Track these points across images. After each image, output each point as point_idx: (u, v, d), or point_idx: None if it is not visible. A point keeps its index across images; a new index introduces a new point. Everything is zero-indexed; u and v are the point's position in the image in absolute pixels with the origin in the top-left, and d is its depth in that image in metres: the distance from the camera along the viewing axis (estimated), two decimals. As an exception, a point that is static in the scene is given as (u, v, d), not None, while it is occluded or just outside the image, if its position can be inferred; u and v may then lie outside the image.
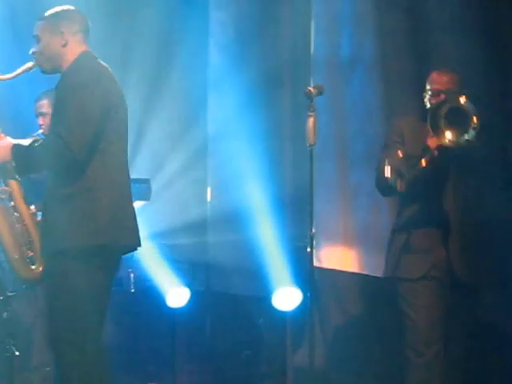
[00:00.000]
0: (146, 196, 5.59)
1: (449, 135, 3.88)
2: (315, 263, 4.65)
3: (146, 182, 5.68)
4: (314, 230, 3.93)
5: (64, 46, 3.56)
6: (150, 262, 5.83)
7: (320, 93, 3.89)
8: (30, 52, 3.68)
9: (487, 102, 4.63)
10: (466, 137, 3.83)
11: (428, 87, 4.10)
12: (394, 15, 5.14)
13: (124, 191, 3.67)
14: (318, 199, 4.81)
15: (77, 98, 3.45)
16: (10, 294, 4.31)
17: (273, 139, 5.91)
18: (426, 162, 3.87)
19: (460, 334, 4.03)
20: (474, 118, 3.81)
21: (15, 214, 3.89)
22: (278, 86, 5.92)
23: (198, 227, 6.17)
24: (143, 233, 4.61)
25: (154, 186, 5.77)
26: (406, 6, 5.12)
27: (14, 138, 3.88)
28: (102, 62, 3.63)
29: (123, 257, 3.84)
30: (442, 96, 4.01)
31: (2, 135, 3.75)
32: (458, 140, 3.86)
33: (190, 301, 5.84)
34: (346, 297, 5.48)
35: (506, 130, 4.95)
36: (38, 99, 5.02)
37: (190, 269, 6.14)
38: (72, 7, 3.69)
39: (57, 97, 3.59)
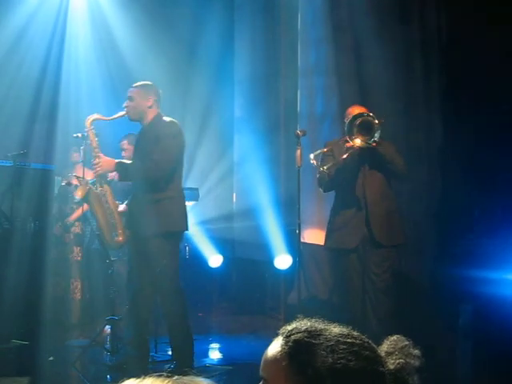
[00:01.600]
0: (195, 198, 6.68)
1: (359, 139, 4.41)
2: (301, 240, 5.27)
3: (196, 189, 6.83)
4: (300, 219, 4.73)
5: (150, 107, 4.49)
6: (197, 238, 7.11)
7: (304, 134, 4.73)
8: (124, 105, 4.48)
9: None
10: (371, 140, 4.37)
11: (347, 118, 4.61)
12: (353, 87, 6.19)
13: (184, 196, 4.55)
14: (303, 200, 5.16)
15: (172, 141, 4.38)
16: (112, 258, 5.30)
17: (274, 163, 7.22)
18: (347, 155, 4.43)
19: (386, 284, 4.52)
20: (376, 128, 4.35)
21: (106, 205, 4.70)
22: (277, 130, 7.31)
23: (228, 217, 7.58)
24: (194, 220, 6.02)
25: (201, 192, 6.96)
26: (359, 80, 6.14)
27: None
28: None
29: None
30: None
31: (102, 154, 4.49)
32: (366, 142, 4.38)
33: (222, 263, 7.32)
34: (319, 259, 6.40)
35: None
36: (121, 139, 5.92)
37: (223, 243, 7.47)
38: (152, 83, 4.59)
39: (158, 137, 4.35)
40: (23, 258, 5.10)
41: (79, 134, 5.01)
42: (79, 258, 6.29)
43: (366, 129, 4.39)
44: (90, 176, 5.20)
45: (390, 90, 5.89)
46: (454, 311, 4.78)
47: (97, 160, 4.44)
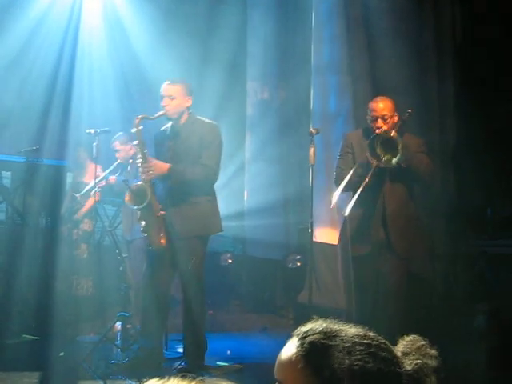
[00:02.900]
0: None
1: (384, 158, 4.28)
2: (313, 239, 5.21)
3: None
4: (312, 218, 4.71)
5: (188, 108, 4.45)
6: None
7: (317, 133, 4.66)
8: (164, 104, 4.38)
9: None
10: (395, 159, 4.23)
11: (368, 113, 4.45)
12: (366, 85, 6.20)
13: (216, 198, 4.65)
14: (315, 198, 5.37)
15: (220, 146, 4.45)
16: (124, 255, 5.45)
17: (287, 161, 7.29)
18: (369, 178, 4.25)
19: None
20: (400, 146, 4.20)
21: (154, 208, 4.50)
22: (289, 128, 7.33)
23: (239, 215, 7.51)
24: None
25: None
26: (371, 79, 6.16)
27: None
28: None
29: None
30: (379, 121, 4.36)
31: (151, 158, 4.45)
32: (390, 161, 4.27)
33: (233, 261, 7.34)
34: (331, 258, 6.28)
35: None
36: (113, 141, 5.79)
37: (233, 241, 7.58)
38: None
39: (203, 139, 4.37)
40: (35, 253, 5.12)
41: (91, 130, 4.97)
42: (85, 255, 6.28)
43: (389, 147, 4.28)
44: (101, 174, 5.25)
45: (403, 89, 5.85)
46: (469, 312, 4.77)
47: (149, 164, 4.39)
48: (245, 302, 7.03)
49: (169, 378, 1.09)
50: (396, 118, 4.42)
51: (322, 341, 1.34)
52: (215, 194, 4.58)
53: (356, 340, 1.34)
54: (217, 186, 5.28)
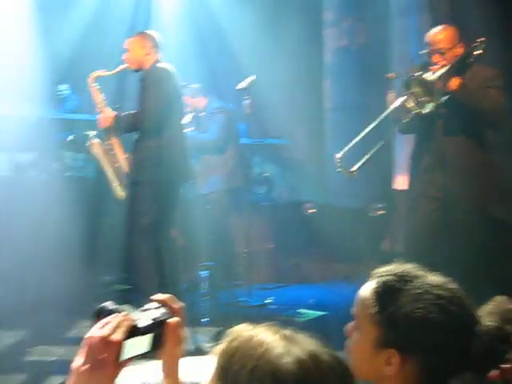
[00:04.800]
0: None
1: (418, 100, 3.96)
2: (395, 186, 5.95)
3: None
4: (393, 165, 5.26)
5: (147, 55, 4.54)
6: (291, 185, 7.42)
7: (395, 77, 4.53)
8: (123, 57, 4.60)
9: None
10: (430, 105, 3.90)
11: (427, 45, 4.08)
12: None
13: (179, 144, 4.67)
14: (396, 146, 6.05)
15: (158, 88, 4.42)
16: (207, 207, 5.71)
17: (366, 108, 6.90)
18: (412, 120, 4.10)
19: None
20: (436, 91, 3.88)
21: (115, 158, 4.74)
22: (371, 74, 7.07)
23: (321, 164, 7.52)
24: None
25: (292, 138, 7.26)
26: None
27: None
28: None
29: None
30: (436, 55, 4.00)
31: (107, 108, 4.64)
32: (424, 106, 3.93)
33: (316, 210, 7.29)
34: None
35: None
36: None
37: (316, 189, 7.57)
38: (147, 31, 4.66)
39: (145, 85, 4.44)
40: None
41: None
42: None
43: (427, 89, 3.91)
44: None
45: (485, 29, 5.32)
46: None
47: (98, 116, 4.64)
48: (327, 251, 6.91)
49: (257, 326, 1.12)
50: (460, 50, 4.02)
51: (394, 283, 1.38)
52: (172, 139, 4.53)
53: (428, 289, 1.34)
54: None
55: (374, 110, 6.51)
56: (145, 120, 4.40)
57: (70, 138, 5.54)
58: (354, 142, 4.19)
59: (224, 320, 4.33)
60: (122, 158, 4.72)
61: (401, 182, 6.40)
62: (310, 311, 5.10)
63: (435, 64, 3.95)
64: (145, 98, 4.41)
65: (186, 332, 1.36)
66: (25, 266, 5.04)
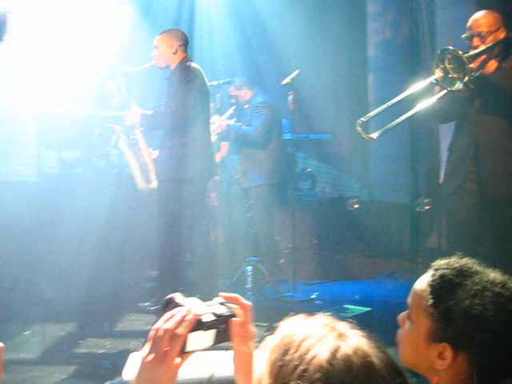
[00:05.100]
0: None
1: (449, 76, 3.71)
2: (439, 181, 5.38)
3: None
4: (439, 159, 5.11)
5: (174, 53, 4.52)
6: (333, 181, 7.48)
7: None
8: (151, 54, 4.57)
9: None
10: (460, 82, 3.69)
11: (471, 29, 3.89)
12: None
13: (205, 143, 4.68)
14: (442, 140, 5.73)
15: (184, 87, 4.39)
16: (251, 202, 5.73)
17: (411, 101, 7.10)
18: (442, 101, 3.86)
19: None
20: (468, 67, 3.64)
21: (140, 152, 4.86)
22: (413, 66, 6.89)
23: (365, 159, 7.52)
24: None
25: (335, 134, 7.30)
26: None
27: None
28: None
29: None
30: (475, 39, 3.84)
31: (134, 104, 4.66)
32: (455, 82, 3.71)
33: (359, 205, 7.29)
34: None
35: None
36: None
37: (359, 185, 7.60)
38: (176, 28, 4.75)
39: (170, 81, 4.46)
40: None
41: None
42: (215, 204, 6.38)
43: (460, 66, 3.69)
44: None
45: None
46: None
47: (126, 111, 4.69)
48: (372, 247, 6.91)
49: (314, 316, 1.11)
50: (502, 35, 3.87)
51: (452, 276, 1.36)
52: (198, 138, 4.52)
53: (488, 286, 1.33)
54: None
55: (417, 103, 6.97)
56: (170, 118, 4.41)
57: (96, 132, 5.57)
58: (381, 108, 3.98)
59: (269, 315, 4.32)
60: (146, 153, 4.78)
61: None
62: (357, 307, 5.09)
63: (475, 48, 3.84)
64: (171, 97, 4.42)
65: (253, 329, 1.35)
66: (73, 261, 5.13)
